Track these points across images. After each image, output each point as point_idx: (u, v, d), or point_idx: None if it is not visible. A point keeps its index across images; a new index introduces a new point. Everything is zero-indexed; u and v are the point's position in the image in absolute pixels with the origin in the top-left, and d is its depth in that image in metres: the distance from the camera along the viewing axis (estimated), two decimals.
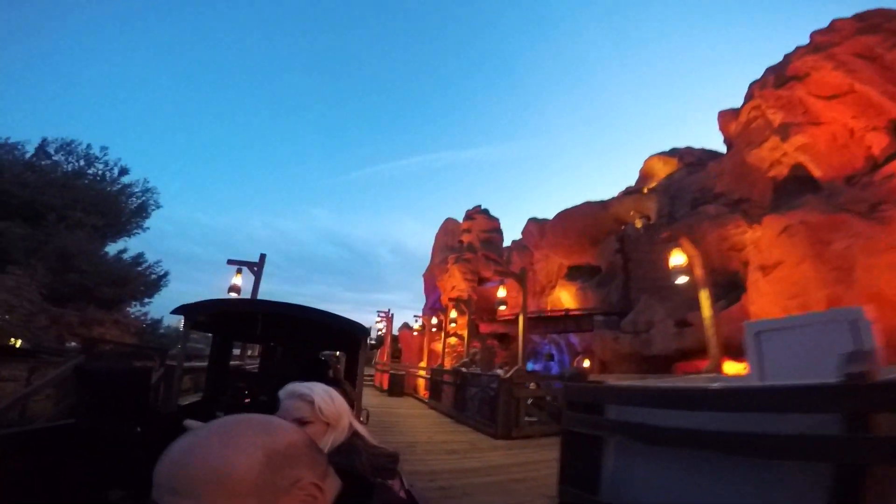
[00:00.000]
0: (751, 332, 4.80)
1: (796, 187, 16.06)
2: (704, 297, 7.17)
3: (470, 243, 22.93)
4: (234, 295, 9.78)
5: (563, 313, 16.74)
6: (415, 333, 19.45)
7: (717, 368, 6.76)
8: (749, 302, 11.13)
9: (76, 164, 23.56)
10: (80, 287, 19.23)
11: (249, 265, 10.78)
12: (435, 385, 12.12)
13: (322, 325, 4.63)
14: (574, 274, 22.41)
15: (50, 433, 2.54)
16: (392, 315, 24.26)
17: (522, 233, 23.61)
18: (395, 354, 25.61)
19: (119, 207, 24.20)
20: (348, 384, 3.79)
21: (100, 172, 24.46)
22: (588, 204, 21.65)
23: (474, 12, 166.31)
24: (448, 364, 15.57)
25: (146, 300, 25.01)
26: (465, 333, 19.43)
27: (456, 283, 20.94)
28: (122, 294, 21.42)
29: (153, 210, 26.98)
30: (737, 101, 19.49)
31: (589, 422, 3.59)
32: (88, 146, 24.66)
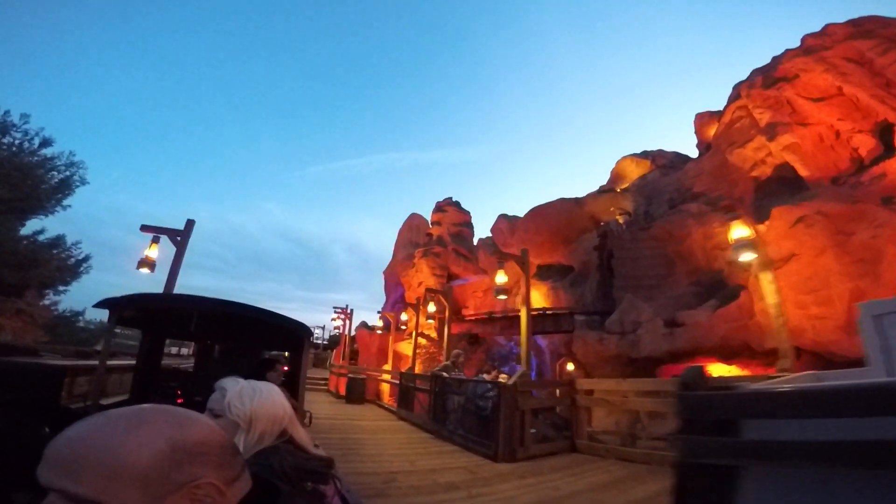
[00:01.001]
0: (868, 315, 3.37)
1: (779, 187, 15.70)
2: (767, 281, 5.75)
3: (439, 237, 21.18)
4: (145, 271, 8.16)
5: (540, 312, 15.27)
6: (378, 332, 17.33)
7: (795, 367, 5.35)
8: (756, 299, 10.03)
9: None
10: None
11: (171, 233, 8.42)
12: (405, 392, 10.25)
13: (263, 323, 4.47)
14: (544, 273, 21.36)
15: None
16: (351, 311, 22.00)
17: (492, 230, 22.17)
18: (352, 356, 23.41)
19: (35, 181, 20.96)
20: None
21: (16, 142, 21.15)
22: (562, 200, 20.62)
23: (443, 16, 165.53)
24: (419, 368, 13.70)
25: (61, 287, 21.79)
26: (434, 333, 17.63)
27: (423, 278, 19.10)
28: (29, 279, 18.36)
29: (78, 186, 23.45)
30: (703, 106, 19.46)
31: (723, 447, 2.22)
32: (6, 112, 21.14)
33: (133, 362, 5.73)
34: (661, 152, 24.59)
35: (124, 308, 4.02)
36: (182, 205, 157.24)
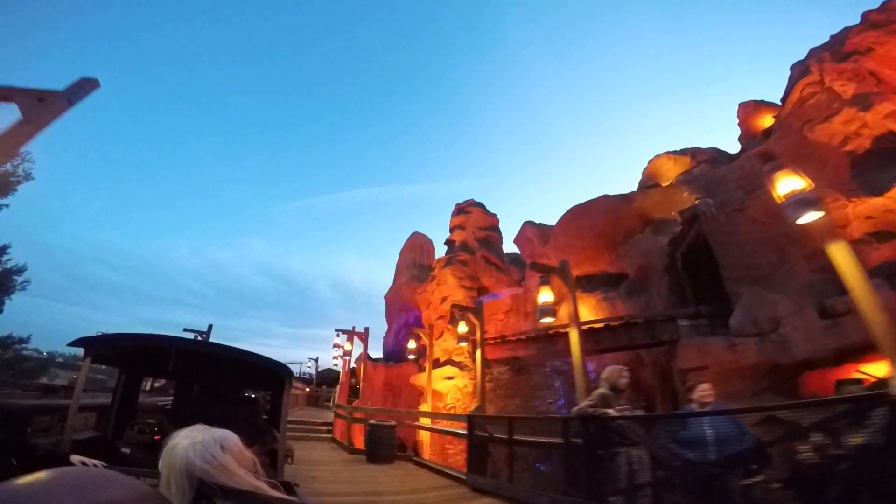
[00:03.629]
0: None
1: (883, 159, 13.37)
2: None
3: (463, 242, 17.37)
4: None
5: (615, 323, 11.49)
6: (410, 357, 12.95)
7: None
8: None
9: None
10: None
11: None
12: (482, 447, 6.16)
13: (243, 363, 4.70)
14: (585, 285, 17.61)
15: None
16: (366, 331, 17.29)
17: (517, 241, 18.46)
18: (351, 393, 18.92)
19: None
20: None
21: None
22: (606, 198, 17.32)
23: (423, 53, 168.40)
24: (460, 408, 9.61)
25: None
26: (468, 360, 13.45)
27: (449, 292, 15.15)
28: None
29: (19, 183, 18.87)
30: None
31: None
32: None
33: (105, 401, 5.70)
34: (698, 149, 22.31)
35: (101, 347, 4.22)
36: (162, 240, 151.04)
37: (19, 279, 19.50)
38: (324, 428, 13.24)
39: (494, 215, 18.97)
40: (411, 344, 12.22)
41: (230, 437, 1.23)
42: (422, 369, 17.23)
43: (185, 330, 13.53)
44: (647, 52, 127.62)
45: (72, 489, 0.55)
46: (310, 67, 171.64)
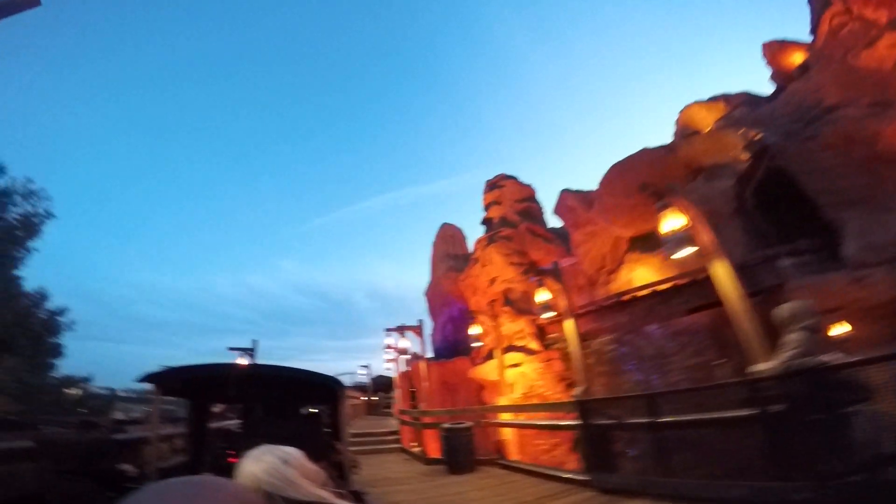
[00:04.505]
0: None
1: None
2: None
3: (503, 218, 15.98)
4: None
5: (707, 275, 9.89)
6: (476, 344, 11.70)
7: None
8: None
9: None
10: None
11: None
12: (603, 437, 4.79)
13: (295, 381, 4.83)
14: (641, 245, 15.97)
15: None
16: (420, 324, 16.05)
17: (556, 211, 16.91)
18: (410, 397, 17.84)
19: None
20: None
21: None
22: (647, 150, 15.67)
23: (425, 52, 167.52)
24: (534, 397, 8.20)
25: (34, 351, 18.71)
26: (533, 343, 12.03)
27: (497, 272, 13.78)
28: None
29: (44, 223, 20.16)
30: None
31: None
32: None
33: (180, 430, 6.43)
34: (727, 95, 20.93)
35: (168, 380, 4.34)
36: (201, 274, 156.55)
37: (63, 319, 20.78)
38: (390, 437, 12.27)
39: (530, 186, 17.46)
40: (474, 329, 10.83)
41: (292, 452, 1.27)
42: (475, 363, 15.95)
43: (229, 349, 13.03)
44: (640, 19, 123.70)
45: (191, 493, 0.60)
46: (305, 83, 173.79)
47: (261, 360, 13.41)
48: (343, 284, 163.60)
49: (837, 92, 14.26)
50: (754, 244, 12.14)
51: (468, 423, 7.94)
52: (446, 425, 7.95)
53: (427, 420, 9.47)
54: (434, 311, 22.59)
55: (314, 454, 1.37)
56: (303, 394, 5.84)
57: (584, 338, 11.50)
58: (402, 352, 14.68)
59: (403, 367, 19.74)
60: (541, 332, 12.05)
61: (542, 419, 7.62)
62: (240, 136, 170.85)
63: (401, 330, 15.34)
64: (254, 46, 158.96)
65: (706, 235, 5.06)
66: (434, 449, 10.16)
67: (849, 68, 13.99)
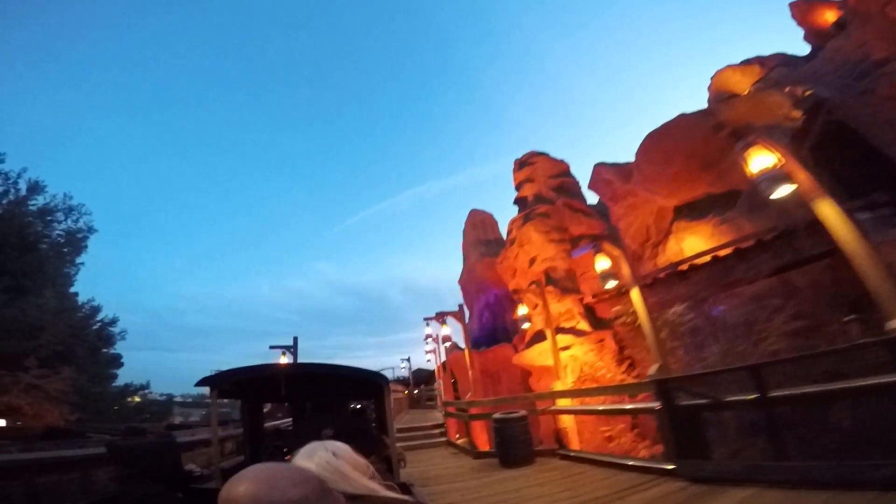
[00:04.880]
0: None
1: None
2: None
3: (537, 195, 15.10)
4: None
5: (775, 234, 8.81)
6: (524, 326, 10.91)
7: None
8: None
9: None
10: None
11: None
12: (693, 419, 4.08)
13: (341, 378, 4.95)
14: (689, 213, 14.80)
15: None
16: (461, 308, 15.35)
17: (591, 186, 15.89)
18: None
19: (31, 236, 18.05)
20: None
21: None
22: (685, 116, 14.55)
23: (446, 47, 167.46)
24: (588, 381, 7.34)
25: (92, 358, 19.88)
26: (583, 323, 11.20)
27: (536, 251, 12.96)
28: (39, 348, 15.96)
29: (87, 238, 20.75)
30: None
31: None
32: None
33: (237, 431, 6.68)
34: (760, 57, 19.18)
35: (222, 382, 4.48)
36: (244, 281, 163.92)
37: (114, 330, 21.73)
38: (436, 431, 11.79)
39: (563, 161, 16.42)
40: (522, 309, 10.03)
41: (341, 445, 1.27)
42: (519, 349, 15.20)
43: (270, 347, 12.93)
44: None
45: (266, 477, 0.67)
46: (331, 94, 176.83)
47: (302, 359, 13.37)
48: (377, 281, 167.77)
49: (883, 46, 13.05)
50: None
51: (521, 412, 7.27)
52: (498, 415, 7.30)
53: (475, 411, 8.87)
54: (469, 299, 21.99)
55: (363, 449, 1.35)
56: (349, 390, 5.86)
57: (649, 311, 10.58)
58: (446, 339, 14.04)
59: (443, 358, 19.19)
60: (589, 313, 11.19)
61: (603, 404, 6.83)
62: (274, 149, 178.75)
63: (440, 317, 14.76)
64: (284, 64, 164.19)
65: (802, 173, 4.16)
66: (484, 441, 9.49)
67: (891, 22, 12.82)
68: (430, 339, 18.88)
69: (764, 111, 14.00)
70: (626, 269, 6.11)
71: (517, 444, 7.05)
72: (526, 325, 10.57)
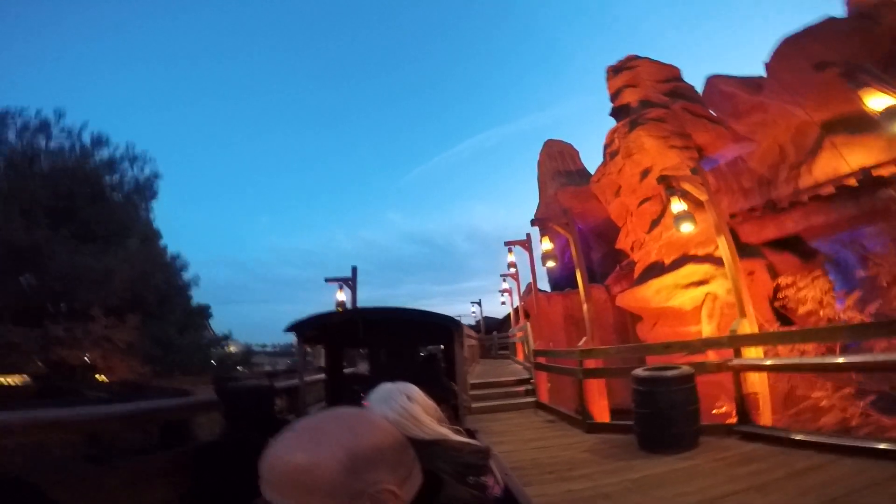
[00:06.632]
0: None
1: None
2: None
3: (644, 100, 11.95)
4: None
5: None
6: (634, 260, 8.20)
7: None
8: None
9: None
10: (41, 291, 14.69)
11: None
12: None
13: (415, 323, 4.94)
14: (846, 128, 11.00)
15: (210, 448, 2.65)
16: (528, 238, 13.86)
17: (707, 102, 12.31)
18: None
19: (101, 188, 18.49)
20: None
21: (61, 145, 18.35)
22: (835, 20, 11.11)
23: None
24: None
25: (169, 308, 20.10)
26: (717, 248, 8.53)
27: (651, 160, 10.12)
28: (107, 298, 15.57)
29: (153, 183, 21.19)
30: None
31: None
32: (38, 112, 18.57)
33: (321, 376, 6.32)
34: None
35: (306, 328, 4.49)
36: (321, 233, 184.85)
37: (197, 286, 23.98)
38: (520, 389, 9.10)
39: (672, 65, 12.82)
40: (676, 205, 7.04)
41: (412, 387, 1.30)
42: (620, 288, 12.55)
43: (326, 280, 11.91)
44: None
45: (347, 430, 0.61)
46: (392, 48, 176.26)
47: (362, 293, 12.10)
48: (444, 230, 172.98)
49: None
50: None
51: (685, 368, 4.79)
52: (643, 371, 4.95)
53: (590, 364, 6.44)
54: (548, 236, 19.49)
55: (433, 396, 1.34)
56: (422, 336, 5.84)
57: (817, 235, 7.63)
58: (545, 258, 10.55)
59: (518, 302, 17.10)
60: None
61: (820, 357, 4.30)
62: (341, 107, 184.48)
63: (511, 244, 12.73)
64: (353, 29, 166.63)
65: None
66: (601, 409, 7.20)
67: None
68: (506, 277, 16.93)
69: None
70: None
71: (678, 416, 4.67)
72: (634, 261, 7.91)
